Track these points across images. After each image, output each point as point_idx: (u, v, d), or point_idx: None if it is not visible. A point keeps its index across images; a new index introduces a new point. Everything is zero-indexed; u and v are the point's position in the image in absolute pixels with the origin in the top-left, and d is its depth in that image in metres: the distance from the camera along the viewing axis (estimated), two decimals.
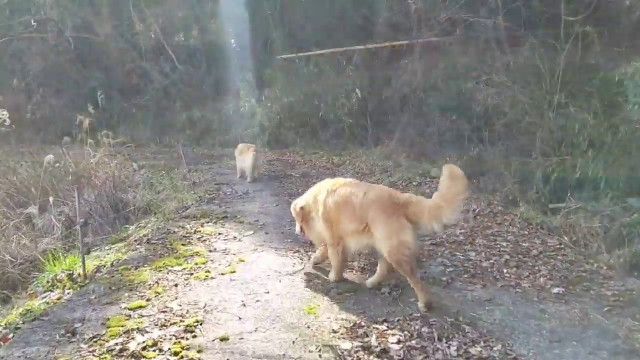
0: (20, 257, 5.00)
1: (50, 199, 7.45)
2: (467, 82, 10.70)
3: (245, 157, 8.78)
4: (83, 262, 4.12)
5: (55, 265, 4.70)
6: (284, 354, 2.90)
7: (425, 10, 11.56)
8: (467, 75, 10.91)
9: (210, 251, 4.88)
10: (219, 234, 5.47)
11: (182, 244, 5.07)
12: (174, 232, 5.52)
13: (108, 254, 5.12)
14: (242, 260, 4.60)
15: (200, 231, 5.53)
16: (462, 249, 4.96)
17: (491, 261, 4.62)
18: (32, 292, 4.23)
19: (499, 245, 5.06)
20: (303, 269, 4.41)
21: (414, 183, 7.97)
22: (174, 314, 3.43)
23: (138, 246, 5.10)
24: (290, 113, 13.26)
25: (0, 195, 8.16)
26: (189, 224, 5.85)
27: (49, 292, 4.09)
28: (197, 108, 15.39)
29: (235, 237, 5.35)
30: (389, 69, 13.08)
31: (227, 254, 4.80)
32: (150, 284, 3.97)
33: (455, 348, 3.01)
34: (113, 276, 4.17)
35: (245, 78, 14.66)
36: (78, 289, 3.91)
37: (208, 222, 5.95)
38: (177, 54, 15.55)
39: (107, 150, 10.33)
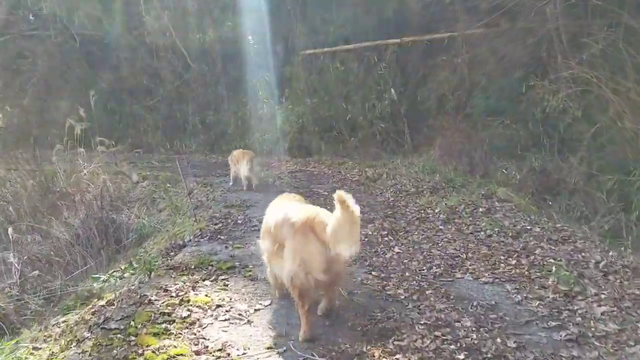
0: None
1: (10, 230, 5.43)
2: (526, 79, 8.39)
3: (240, 166, 7.54)
4: None
5: None
6: None
7: None
8: (521, 71, 8.63)
9: (198, 353, 2.75)
10: (218, 306, 3.33)
11: (155, 332, 2.94)
12: (150, 301, 3.40)
13: (44, 343, 3.05)
14: None
15: (189, 301, 3.39)
16: (622, 348, 2.74)
17: None
18: None
19: None
20: None
21: (481, 209, 5.70)
22: None
23: (86, 334, 3.00)
24: (314, 116, 11.11)
25: None
26: (177, 284, 3.72)
27: None
28: (212, 110, 13.31)
29: (241, 315, 3.21)
30: (426, 66, 10.84)
31: None
32: None
33: None
34: None
35: (263, 77, 12.46)
36: None
37: (204, 280, 3.82)
38: (190, 52, 13.46)
39: (102, 159, 8.41)
